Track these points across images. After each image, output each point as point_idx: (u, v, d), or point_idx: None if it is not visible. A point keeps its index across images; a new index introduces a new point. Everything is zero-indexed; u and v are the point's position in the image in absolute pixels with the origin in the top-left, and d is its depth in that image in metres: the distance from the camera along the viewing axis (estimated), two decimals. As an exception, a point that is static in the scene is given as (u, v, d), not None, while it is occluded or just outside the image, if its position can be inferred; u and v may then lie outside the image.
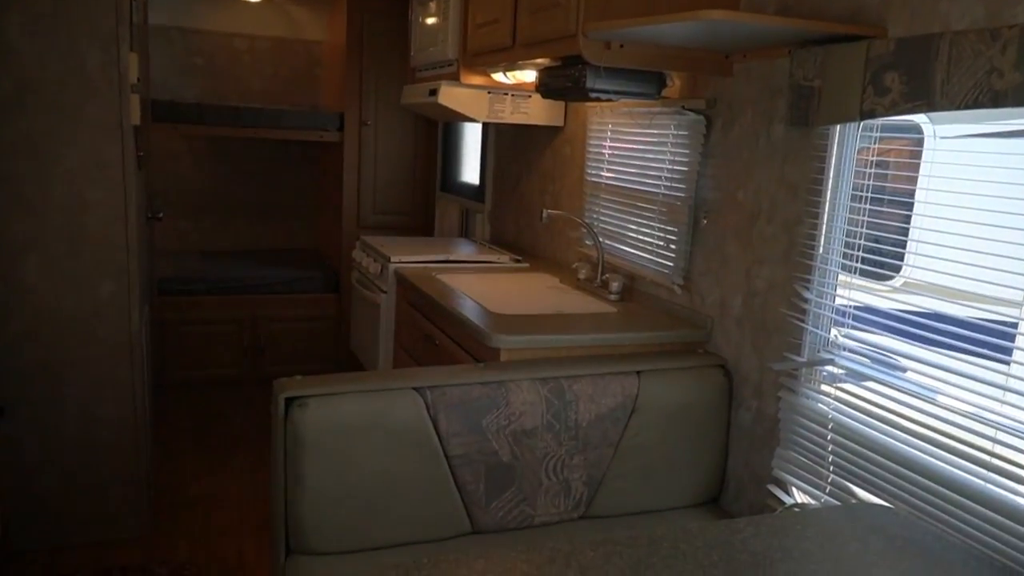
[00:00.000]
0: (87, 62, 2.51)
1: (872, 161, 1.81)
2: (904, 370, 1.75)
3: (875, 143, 1.81)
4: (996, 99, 1.33)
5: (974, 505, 1.53)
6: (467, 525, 1.97)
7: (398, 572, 1.19)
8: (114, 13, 2.50)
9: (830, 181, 1.89)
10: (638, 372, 2.12)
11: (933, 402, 1.65)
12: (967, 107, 1.39)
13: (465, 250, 3.51)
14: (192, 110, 4.23)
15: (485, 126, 3.97)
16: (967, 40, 1.40)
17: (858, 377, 1.85)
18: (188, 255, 4.75)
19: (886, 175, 1.79)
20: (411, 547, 1.92)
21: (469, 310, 2.37)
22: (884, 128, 1.79)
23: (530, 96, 3.08)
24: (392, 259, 3.09)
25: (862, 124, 1.80)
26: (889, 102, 1.55)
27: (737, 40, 1.92)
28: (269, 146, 4.96)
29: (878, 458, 1.75)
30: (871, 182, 1.81)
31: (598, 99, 2.26)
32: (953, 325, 1.60)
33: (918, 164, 1.73)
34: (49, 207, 2.55)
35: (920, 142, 1.72)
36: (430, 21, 3.15)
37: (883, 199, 1.79)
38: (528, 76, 2.86)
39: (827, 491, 1.90)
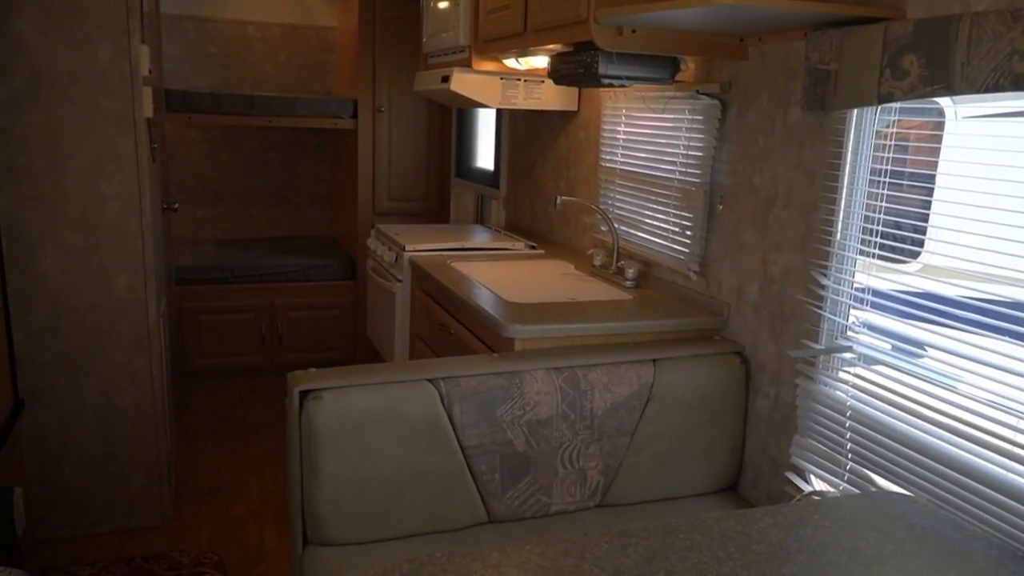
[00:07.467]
0: (99, 55, 2.51)
1: (890, 145, 1.77)
2: (923, 356, 1.72)
3: (893, 126, 1.77)
4: (1017, 82, 1.30)
5: (995, 494, 1.51)
6: (483, 515, 1.98)
7: (412, 566, 1.18)
8: (124, 5, 2.50)
9: (847, 164, 1.86)
10: (654, 360, 2.10)
11: (953, 389, 1.63)
12: (987, 91, 1.35)
13: (480, 237, 3.50)
14: (206, 99, 4.23)
15: (499, 111, 3.94)
16: (987, 21, 1.36)
17: (876, 364, 1.83)
18: (205, 244, 4.78)
19: (905, 159, 1.75)
20: (427, 537, 1.92)
21: (483, 299, 2.36)
22: (903, 109, 1.74)
23: (543, 81, 3.05)
24: (407, 248, 3.09)
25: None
26: (907, 86, 1.52)
27: (752, 23, 1.88)
28: (284, 134, 4.97)
29: (897, 446, 1.72)
30: (889, 167, 1.77)
31: (611, 85, 2.23)
32: (974, 309, 1.57)
33: (939, 144, 1.68)
34: (64, 200, 2.57)
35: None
36: (442, 7, 3.12)
37: (902, 183, 1.75)
38: (540, 62, 2.83)
39: (845, 479, 1.89)
